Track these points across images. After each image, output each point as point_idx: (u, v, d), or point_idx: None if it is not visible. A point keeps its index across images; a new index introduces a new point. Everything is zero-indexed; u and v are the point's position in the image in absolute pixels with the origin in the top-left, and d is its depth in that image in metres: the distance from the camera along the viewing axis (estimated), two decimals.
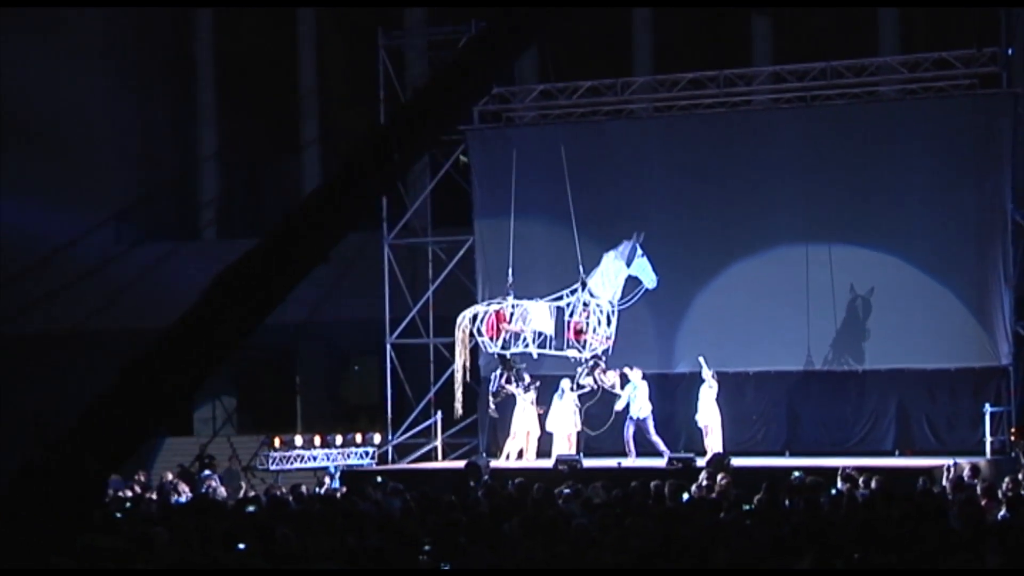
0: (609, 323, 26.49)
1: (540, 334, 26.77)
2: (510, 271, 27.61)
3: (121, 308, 33.20)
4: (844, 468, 21.19)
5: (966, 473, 21.63)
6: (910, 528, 14.45)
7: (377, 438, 30.04)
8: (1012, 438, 26.48)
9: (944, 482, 21.15)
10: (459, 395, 27.70)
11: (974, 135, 27.24)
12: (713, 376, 26.79)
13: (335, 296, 30.98)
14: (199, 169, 35.87)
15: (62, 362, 32.69)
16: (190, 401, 33.17)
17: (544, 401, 27.43)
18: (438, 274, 31.11)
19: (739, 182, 28.43)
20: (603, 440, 26.99)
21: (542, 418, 27.38)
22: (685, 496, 18.63)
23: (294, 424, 34.08)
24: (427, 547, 14.09)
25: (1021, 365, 27.07)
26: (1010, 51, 27.37)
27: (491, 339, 27.02)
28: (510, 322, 26.90)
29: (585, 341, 26.48)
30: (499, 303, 27.28)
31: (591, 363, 26.47)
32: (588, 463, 25.21)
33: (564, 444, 26.99)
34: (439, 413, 29.63)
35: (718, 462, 22.79)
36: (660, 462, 25.03)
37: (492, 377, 27.72)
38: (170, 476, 27.38)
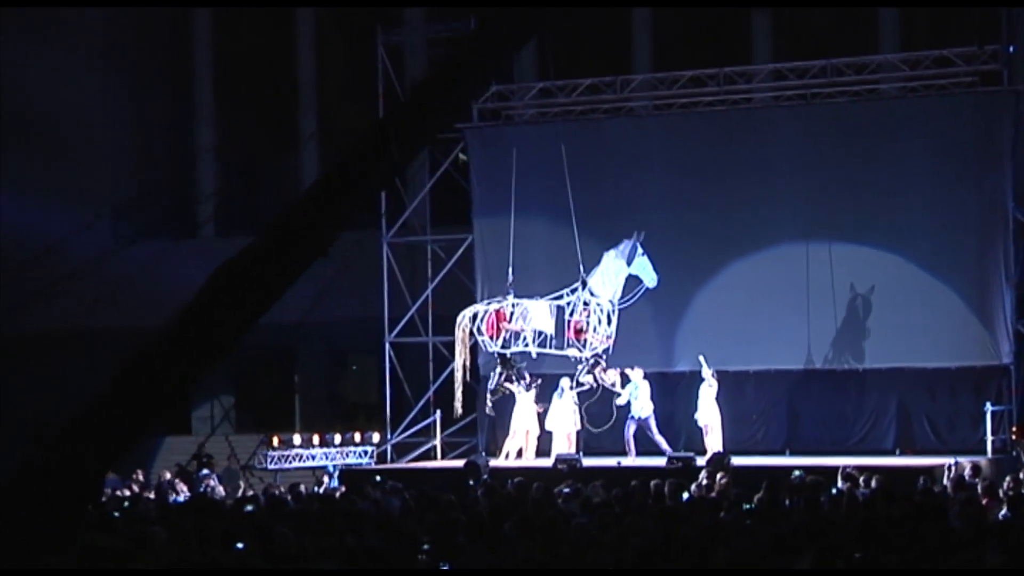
0: (609, 322, 26.44)
1: (540, 333, 26.72)
2: (510, 270, 27.55)
3: (119, 306, 33.10)
4: (844, 467, 21.15)
5: (967, 472, 21.61)
6: (911, 527, 14.40)
7: (376, 437, 29.99)
8: (1013, 437, 26.44)
9: (945, 481, 21.11)
10: (459, 394, 27.67)
11: (975, 133, 27.19)
12: (713, 375, 26.75)
13: (334, 295, 30.85)
14: (197, 167, 35.83)
15: (59, 360, 32.63)
16: (188, 400, 33.16)
17: (544, 400, 27.40)
18: (437, 273, 31.05)
19: (739, 180, 28.37)
20: (603, 439, 26.98)
21: (542, 417, 27.33)
22: (685, 495, 18.62)
23: (293, 423, 34.06)
24: (426, 546, 14.05)
25: (1022, 364, 27.02)
26: (1011, 49, 27.33)
27: (491, 338, 26.98)
28: (510, 321, 26.86)
29: (585, 340, 26.43)
30: (499, 302, 27.24)
31: (592, 362, 26.43)
32: (588, 462, 25.17)
33: (564, 443, 26.96)
34: (438, 412, 29.60)
35: (718, 461, 22.71)
36: (660, 461, 24.98)
37: (490, 376, 27.68)
38: (168, 475, 27.35)
